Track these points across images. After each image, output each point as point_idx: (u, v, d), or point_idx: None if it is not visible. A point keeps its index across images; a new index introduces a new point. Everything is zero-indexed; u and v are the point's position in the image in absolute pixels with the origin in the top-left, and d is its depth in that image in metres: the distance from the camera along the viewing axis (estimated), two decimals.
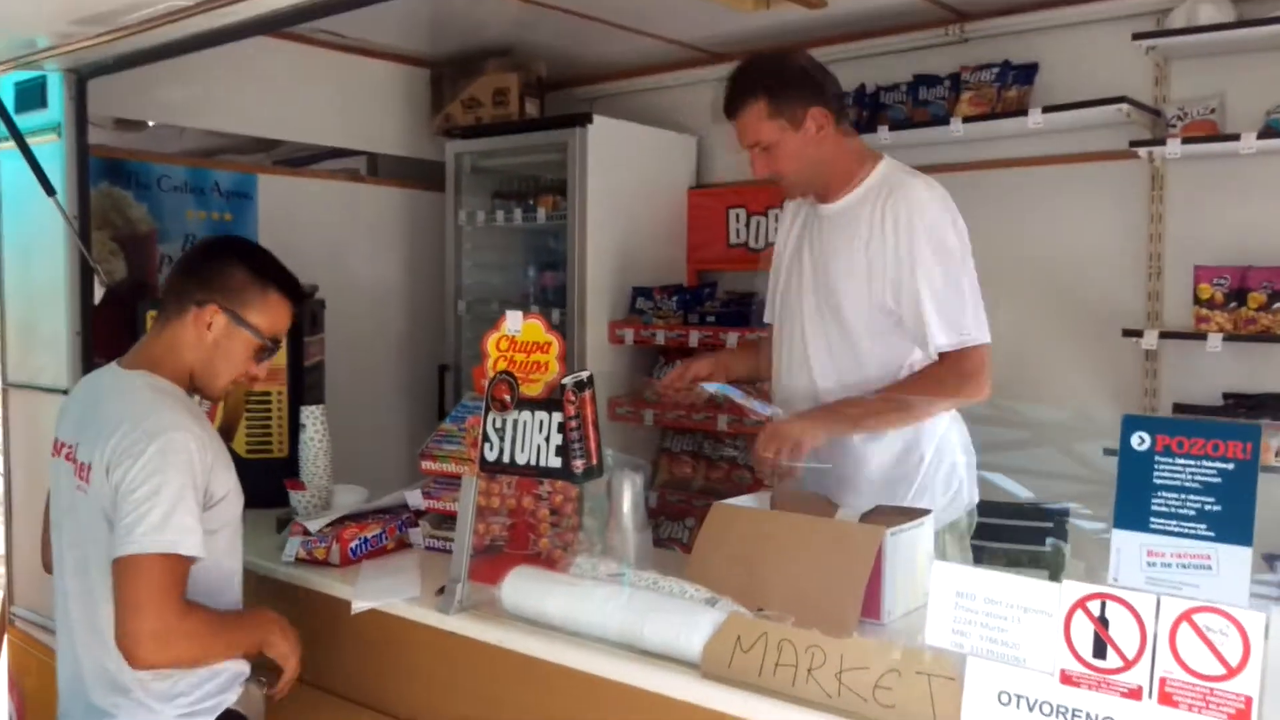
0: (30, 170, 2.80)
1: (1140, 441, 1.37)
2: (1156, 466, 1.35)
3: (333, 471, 2.72)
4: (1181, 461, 1.34)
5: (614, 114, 4.13)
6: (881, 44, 3.74)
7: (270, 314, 2.04)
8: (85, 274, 2.93)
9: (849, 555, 1.95)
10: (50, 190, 2.81)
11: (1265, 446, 2.83)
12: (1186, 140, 3.03)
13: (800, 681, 1.61)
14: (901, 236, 2.28)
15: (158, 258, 3.59)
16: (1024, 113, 3.27)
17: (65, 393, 2.96)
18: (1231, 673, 1.26)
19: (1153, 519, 1.34)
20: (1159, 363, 3.20)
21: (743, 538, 2.12)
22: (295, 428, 2.88)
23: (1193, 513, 1.32)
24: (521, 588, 2.00)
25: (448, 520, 2.49)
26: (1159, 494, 1.35)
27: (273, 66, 3.89)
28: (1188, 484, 1.33)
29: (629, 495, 2.33)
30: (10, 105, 2.91)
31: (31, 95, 2.92)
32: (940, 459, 2.41)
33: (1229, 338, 2.92)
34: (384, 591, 2.21)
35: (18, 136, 2.78)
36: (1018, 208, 3.49)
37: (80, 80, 2.87)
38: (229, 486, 1.97)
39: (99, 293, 2.96)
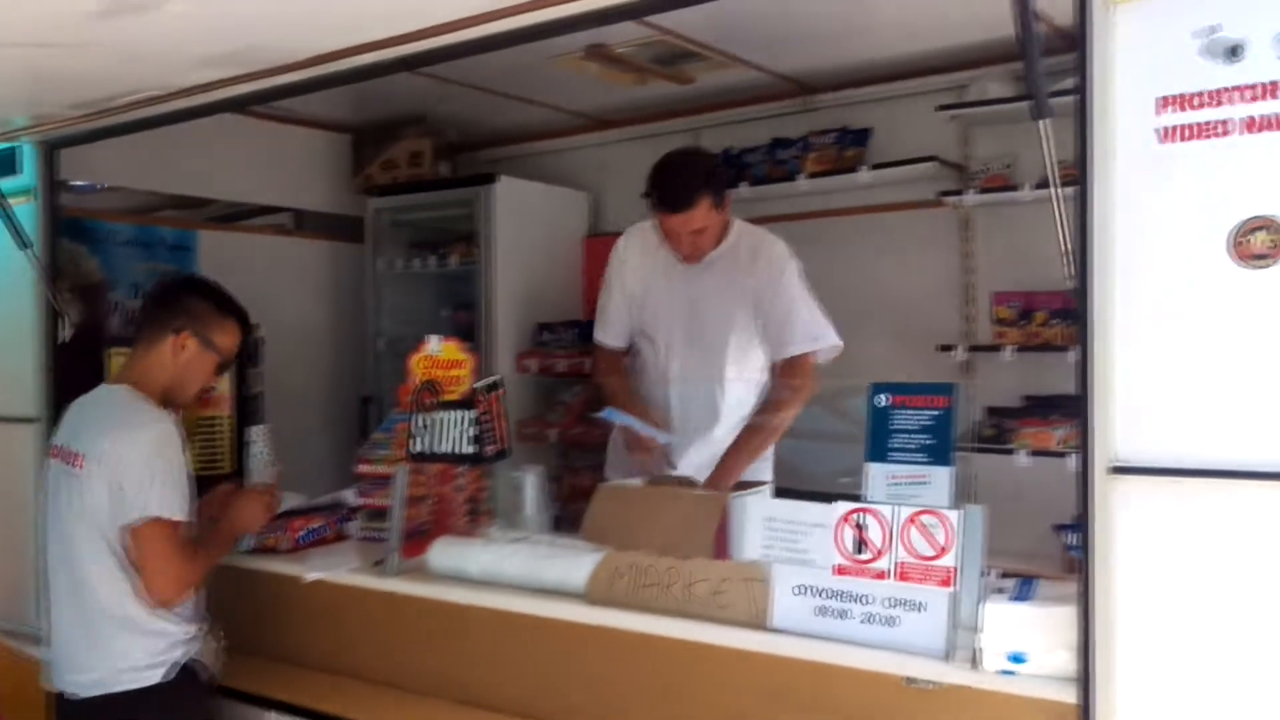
0: (7, 228, 3.23)
1: (881, 400, 1.96)
2: (892, 417, 1.94)
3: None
4: (908, 411, 1.93)
5: (517, 173, 4.70)
6: (744, 112, 4.35)
7: (229, 337, 2.59)
8: (52, 318, 3.36)
9: (701, 515, 2.51)
10: (26, 244, 3.24)
11: (1049, 436, 3.50)
12: (982, 190, 3.72)
13: (660, 596, 2.15)
14: (772, 274, 3.06)
15: (109, 305, 4.02)
16: (856, 169, 3.93)
17: (28, 420, 3.38)
18: (941, 553, 1.85)
19: (890, 452, 1.92)
20: (972, 373, 3.86)
21: (623, 509, 2.67)
22: (240, 447, 3.34)
23: (915, 446, 1.91)
24: (446, 551, 2.52)
25: (380, 515, 2.96)
26: (894, 435, 1.93)
27: (208, 133, 4.31)
28: (911, 427, 1.92)
29: (530, 483, 2.86)
30: None
31: (5, 163, 3.36)
32: None
33: (1020, 349, 3.60)
34: (331, 565, 2.70)
35: (1, 199, 3.21)
36: (855, 248, 4.14)
37: (50, 150, 3.31)
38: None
39: (68, 333, 3.39)
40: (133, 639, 2.36)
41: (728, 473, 2.96)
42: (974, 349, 3.76)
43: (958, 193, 3.77)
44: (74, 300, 3.86)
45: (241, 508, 2.58)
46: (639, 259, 3.23)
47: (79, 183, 4.09)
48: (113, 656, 2.35)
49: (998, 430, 3.64)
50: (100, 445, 2.35)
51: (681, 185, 2.93)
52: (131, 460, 2.31)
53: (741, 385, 3.14)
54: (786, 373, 3.06)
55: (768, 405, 3.07)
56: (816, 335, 3.04)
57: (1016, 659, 1.74)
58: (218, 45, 2.20)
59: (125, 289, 4.08)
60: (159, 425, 2.39)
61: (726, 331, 3.10)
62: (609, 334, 3.31)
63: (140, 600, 2.36)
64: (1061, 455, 3.41)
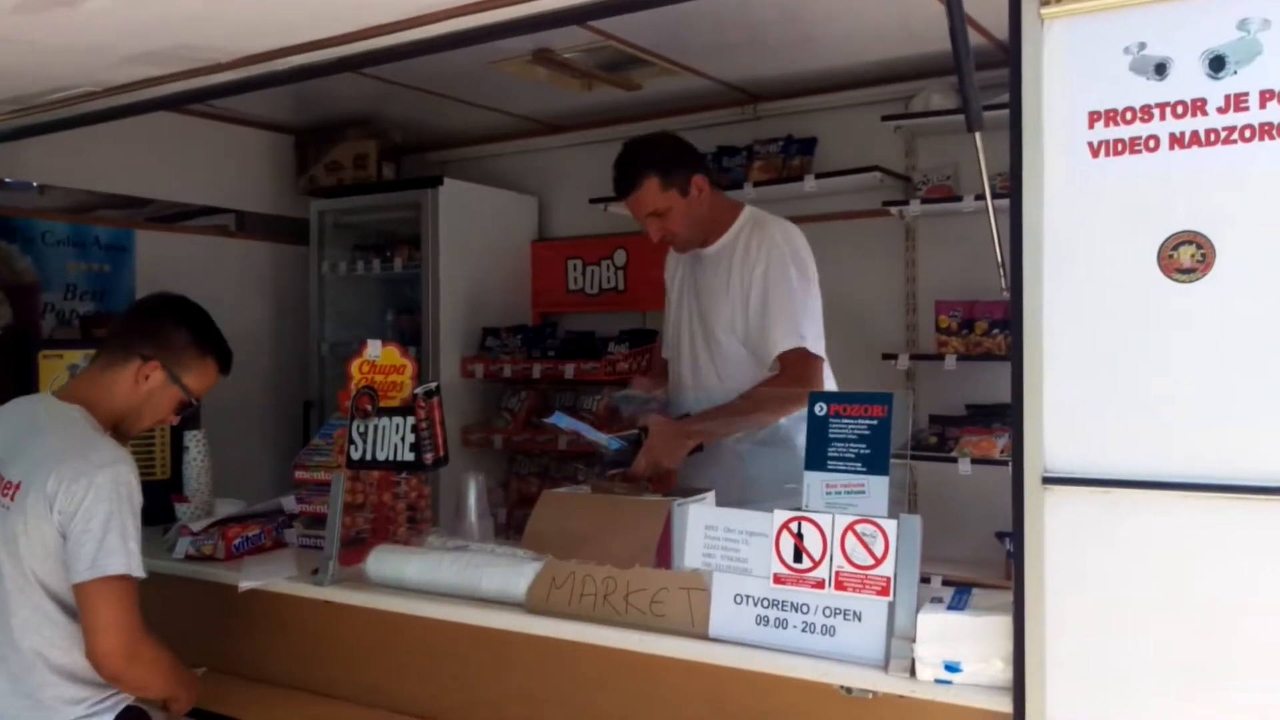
0: None
1: (820, 409, 1.96)
2: (830, 426, 1.94)
3: (213, 487, 3.13)
4: (845, 421, 1.93)
5: (463, 176, 4.67)
6: (689, 120, 4.33)
7: (203, 378, 2.36)
8: None
9: (644, 523, 2.49)
10: None
11: (992, 445, 3.54)
12: (925, 201, 3.76)
13: (599, 606, 2.13)
14: (756, 265, 2.84)
15: (41, 306, 3.92)
16: (801, 178, 3.95)
17: None
18: (878, 562, 1.85)
19: (829, 461, 1.92)
20: (915, 381, 3.90)
21: (566, 516, 2.64)
22: (176, 452, 3.27)
23: (853, 455, 1.91)
24: (384, 559, 2.47)
25: (319, 522, 2.91)
26: (833, 444, 1.92)
27: (147, 131, 4.23)
28: (849, 436, 1.92)
29: (472, 490, 2.83)
30: None
31: None
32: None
33: (962, 358, 3.63)
34: (266, 573, 2.64)
35: None
36: None
37: None
38: None
39: None
40: (74, 689, 2.11)
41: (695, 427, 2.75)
42: (917, 357, 3.79)
43: (902, 203, 3.81)
44: (4, 301, 3.77)
45: (182, 706, 2.29)
46: (672, 260, 3.12)
47: (10, 180, 4.00)
48: (54, 709, 2.10)
49: (940, 438, 3.67)
50: (46, 481, 2.05)
51: (625, 168, 2.85)
52: (88, 506, 2.03)
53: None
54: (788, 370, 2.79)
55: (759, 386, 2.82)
56: (797, 327, 2.77)
57: (952, 668, 1.74)
58: (144, 43, 2.14)
59: (59, 290, 3.99)
60: (123, 467, 2.10)
61: (727, 331, 2.90)
62: (663, 347, 3.21)
63: (80, 646, 2.09)
64: (1004, 464, 3.43)
